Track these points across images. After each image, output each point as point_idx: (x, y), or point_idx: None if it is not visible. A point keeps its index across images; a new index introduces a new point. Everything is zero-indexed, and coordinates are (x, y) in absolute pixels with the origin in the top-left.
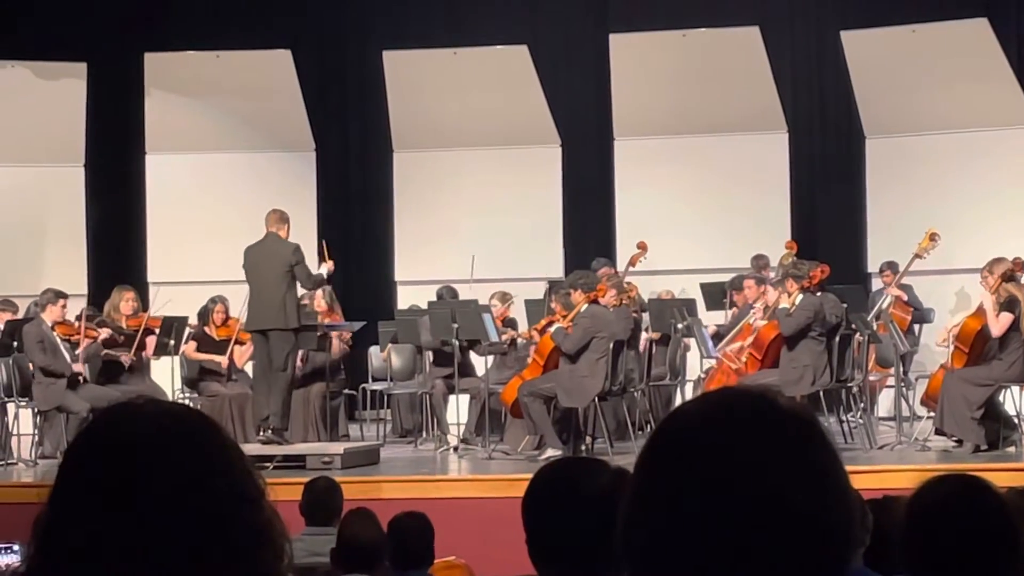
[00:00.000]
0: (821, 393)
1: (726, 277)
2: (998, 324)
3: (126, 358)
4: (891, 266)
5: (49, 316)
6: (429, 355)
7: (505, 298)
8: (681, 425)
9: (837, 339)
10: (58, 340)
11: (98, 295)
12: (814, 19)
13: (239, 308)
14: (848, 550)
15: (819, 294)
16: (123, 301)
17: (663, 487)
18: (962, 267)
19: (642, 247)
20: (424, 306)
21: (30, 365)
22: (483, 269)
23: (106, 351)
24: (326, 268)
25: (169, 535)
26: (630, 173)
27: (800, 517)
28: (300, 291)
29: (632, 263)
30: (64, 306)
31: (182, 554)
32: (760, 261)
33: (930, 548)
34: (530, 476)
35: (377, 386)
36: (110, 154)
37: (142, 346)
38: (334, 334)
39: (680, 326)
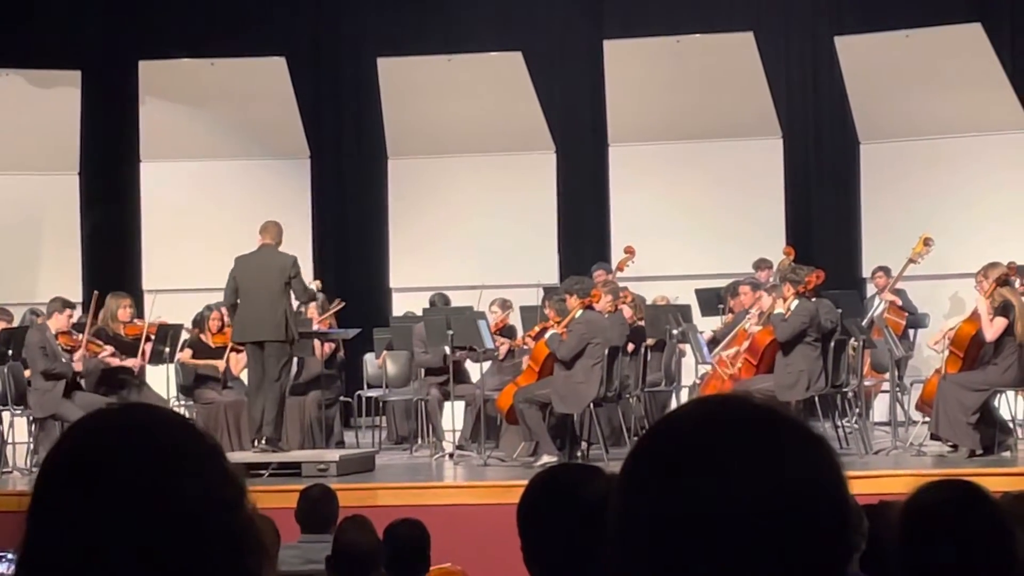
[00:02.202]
0: (816, 398)
1: (721, 283)
2: (992, 329)
3: (135, 363)
4: (884, 269)
5: (54, 324)
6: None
7: (505, 305)
8: (671, 430)
9: (832, 344)
10: (59, 348)
11: (98, 301)
12: (808, 25)
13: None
14: (843, 555)
15: (814, 299)
16: (120, 309)
17: (653, 490)
18: (956, 272)
19: (630, 251)
20: (419, 313)
21: (26, 373)
22: (478, 276)
23: (118, 360)
24: (316, 285)
25: (141, 540)
26: (625, 179)
27: (793, 521)
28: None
29: (620, 268)
30: (71, 316)
31: (155, 559)
32: (763, 264)
33: (926, 553)
34: (526, 483)
35: (372, 393)
36: (105, 162)
37: (141, 354)
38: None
39: (675, 332)
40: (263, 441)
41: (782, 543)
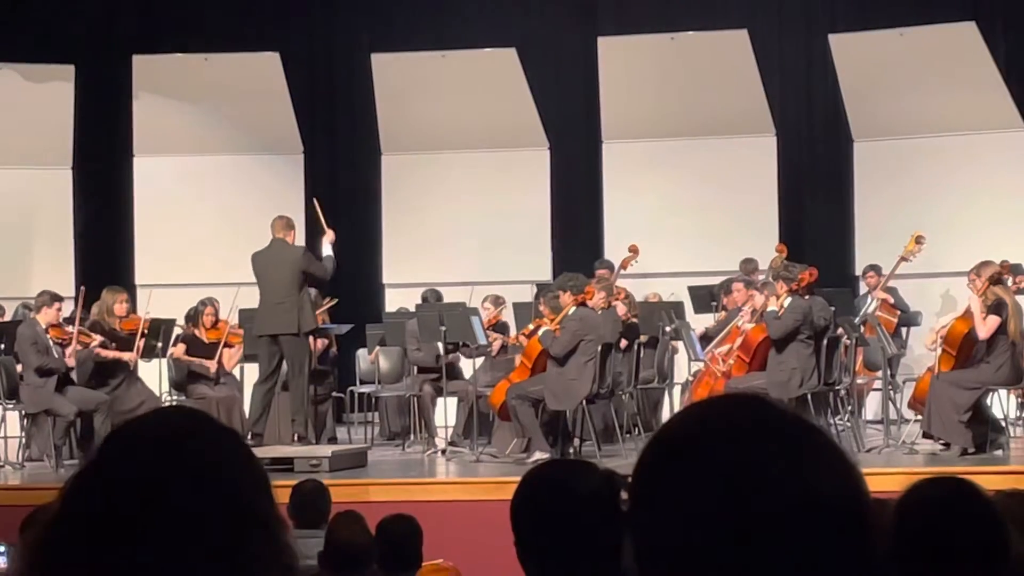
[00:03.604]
0: (809, 396)
1: (714, 280)
2: (985, 327)
3: (131, 356)
4: (874, 268)
5: (43, 318)
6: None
7: (498, 302)
8: (691, 429)
9: (825, 342)
10: (51, 342)
11: (86, 297)
12: (802, 22)
13: (228, 311)
14: (862, 563)
15: (807, 297)
16: (116, 303)
17: (672, 490)
18: (949, 270)
19: (633, 250)
20: (412, 309)
21: (18, 367)
22: (471, 272)
23: (105, 352)
24: (328, 243)
25: (185, 546)
26: (618, 176)
27: (815, 530)
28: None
29: (623, 266)
30: (59, 309)
31: (192, 568)
32: (749, 265)
33: (918, 552)
34: (518, 479)
35: (365, 389)
36: (98, 157)
37: (136, 348)
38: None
39: (668, 329)
40: (295, 438)
41: (803, 551)
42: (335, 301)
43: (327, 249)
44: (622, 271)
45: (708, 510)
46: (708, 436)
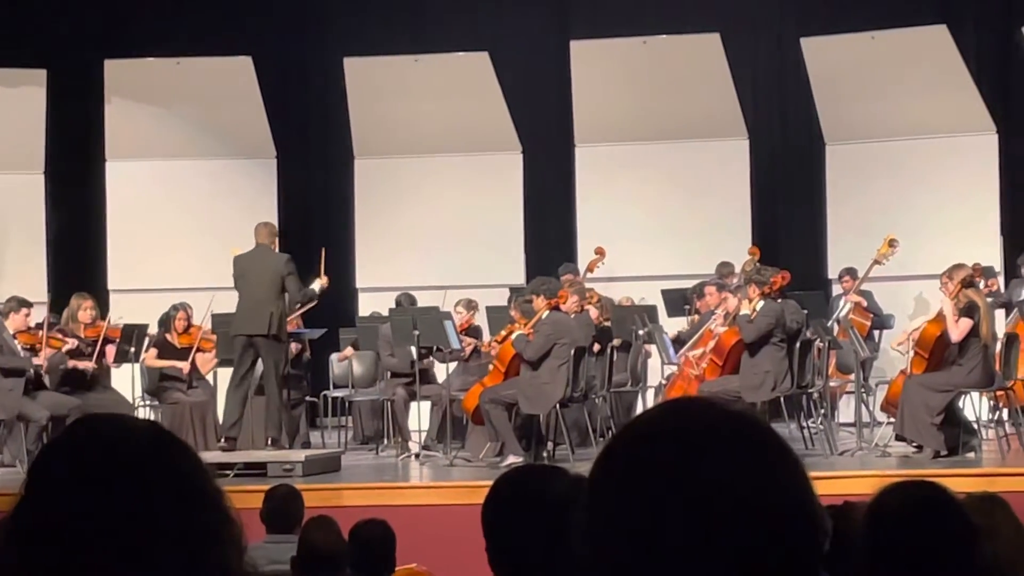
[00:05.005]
0: (782, 399)
1: (687, 284)
2: (957, 330)
3: (88, 365)
4: (850, 272)
5: (11, 324)
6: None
7: (470, 306)
8: (640, 435)
9: (798, 345)
10: (17, 347)
11: (58, 303)
12: (774, 26)
13: (202, 316)
14: (814, 558)
15: (780, 300)
16: (81, 309)
17: (622, 495)
18: (921, 273)
19: (600, 253)
20: (385, 313)
21: None
22: (445, 276)
23: (71, 360)
24: (319, 284)
25: (134, 536)
26: (591, 180)
27: (763, 529)
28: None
29: (590, 269)
30: (28, 315)
31: (150, 549)
32: (725, 269)
33: (889, 554)
34: (491, 483)
35: (338, 393)
36: (70, 161)
37: (102, 355)
38: None
39: (641, 332)
40: (268, 442)
41: (752, 552)
42: (311, 304)
43: (315, 286)
44: (589, 274)
45: (654, 511)
46: (655, 439)
